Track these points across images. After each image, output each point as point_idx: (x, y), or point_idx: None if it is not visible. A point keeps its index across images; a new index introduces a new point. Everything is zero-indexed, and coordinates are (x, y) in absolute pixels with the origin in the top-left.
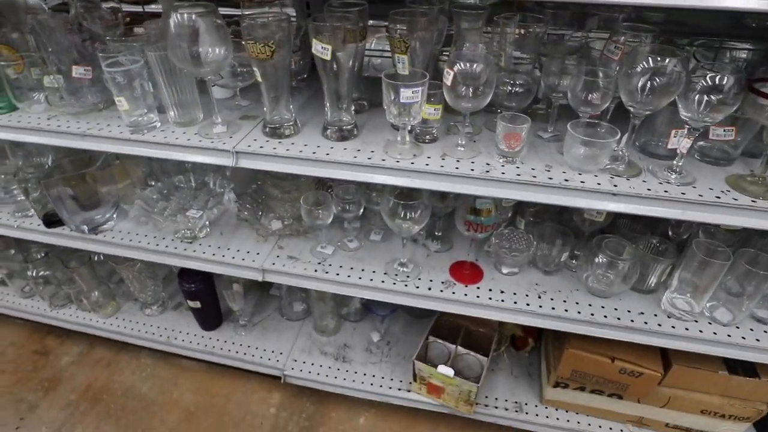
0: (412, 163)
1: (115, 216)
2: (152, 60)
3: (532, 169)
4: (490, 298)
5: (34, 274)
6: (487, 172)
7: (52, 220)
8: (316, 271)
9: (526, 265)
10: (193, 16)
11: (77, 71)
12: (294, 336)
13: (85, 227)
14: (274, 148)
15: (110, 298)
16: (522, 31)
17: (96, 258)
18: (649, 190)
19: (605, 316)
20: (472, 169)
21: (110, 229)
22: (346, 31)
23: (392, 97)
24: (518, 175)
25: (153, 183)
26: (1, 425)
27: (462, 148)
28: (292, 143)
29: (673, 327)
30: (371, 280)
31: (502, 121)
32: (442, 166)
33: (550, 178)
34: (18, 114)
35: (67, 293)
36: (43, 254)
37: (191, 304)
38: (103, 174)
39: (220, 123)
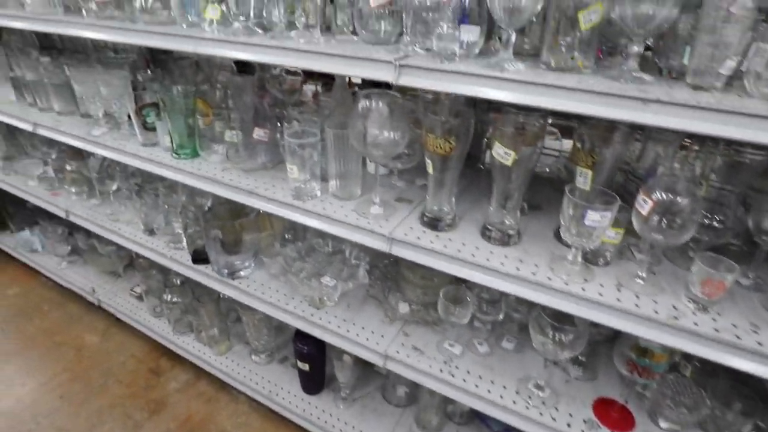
0: (583, 289)
1: (253, 264)
2: (329, 135)
3: (734, 325)
4: None
5: (168, 298)
6: (676, 318)
7: (199, 258)
8: (441, 371)
9: (693, 425)
10: (380, 103)
11: (257, 133)
12: (393, 424)
13: (226, 270)
14: (431, 242)
15: (226, 337)
16: (728, 158)
17: (222, 295)
18: None
19: None
20: (656, 311)
21: (246, 276)
22: (528, 134)
23: (572, 214)
24: (716, 330)
25: (289, 236)
26: None
27: (641, 281)
28: (450, 239)
29: None
30: (501, 397)
31: (702, 263)
32: (618, 300)
33: (760, 344)
34: (198, 162)
35: (190, 322)
36: (179, 282)
37: (300, 365)
38: (249, 223)
39: (378, 203)
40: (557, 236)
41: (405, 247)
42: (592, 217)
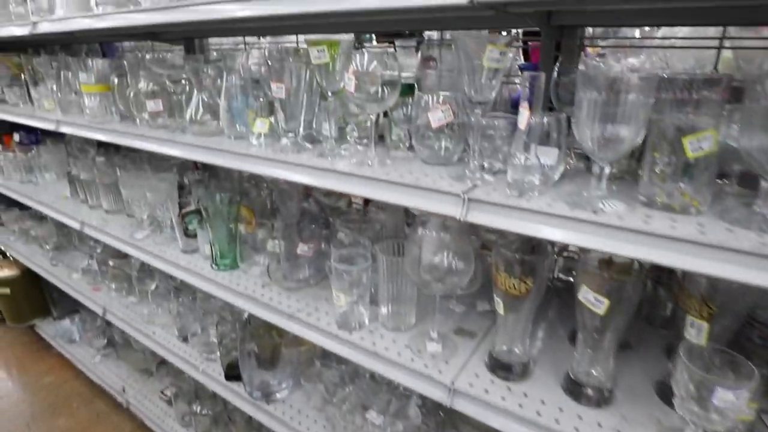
0: None
1: (290, 385)
2: (381, 261)
3: None
4: None
5: (198, 410)
6: None
7: (232, 374)
8: None
9: None
10: (442, 234)
11: (302, 248)
12: None
13: (259, 393)
14: (503, 399)
15: None
16: None
17: None
18: None
19: None
20: None
21: (282, 400)
22: (620, 268)
23: (688, 380)
24: None
25: None
26: None
27: None
28: (525, 393)
29: None
30: None
31: None
32: None
33: None
34: (238, 275)
35: None
36: (212, 391)
37: None
38: (289, 337)
39: (436, 339)
40: (659, 391)
41: (470, 401)
42: (723, 396)
